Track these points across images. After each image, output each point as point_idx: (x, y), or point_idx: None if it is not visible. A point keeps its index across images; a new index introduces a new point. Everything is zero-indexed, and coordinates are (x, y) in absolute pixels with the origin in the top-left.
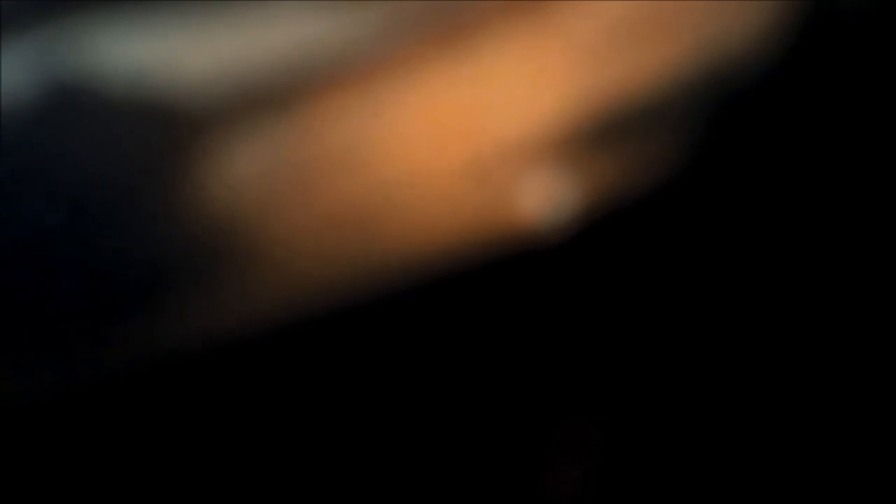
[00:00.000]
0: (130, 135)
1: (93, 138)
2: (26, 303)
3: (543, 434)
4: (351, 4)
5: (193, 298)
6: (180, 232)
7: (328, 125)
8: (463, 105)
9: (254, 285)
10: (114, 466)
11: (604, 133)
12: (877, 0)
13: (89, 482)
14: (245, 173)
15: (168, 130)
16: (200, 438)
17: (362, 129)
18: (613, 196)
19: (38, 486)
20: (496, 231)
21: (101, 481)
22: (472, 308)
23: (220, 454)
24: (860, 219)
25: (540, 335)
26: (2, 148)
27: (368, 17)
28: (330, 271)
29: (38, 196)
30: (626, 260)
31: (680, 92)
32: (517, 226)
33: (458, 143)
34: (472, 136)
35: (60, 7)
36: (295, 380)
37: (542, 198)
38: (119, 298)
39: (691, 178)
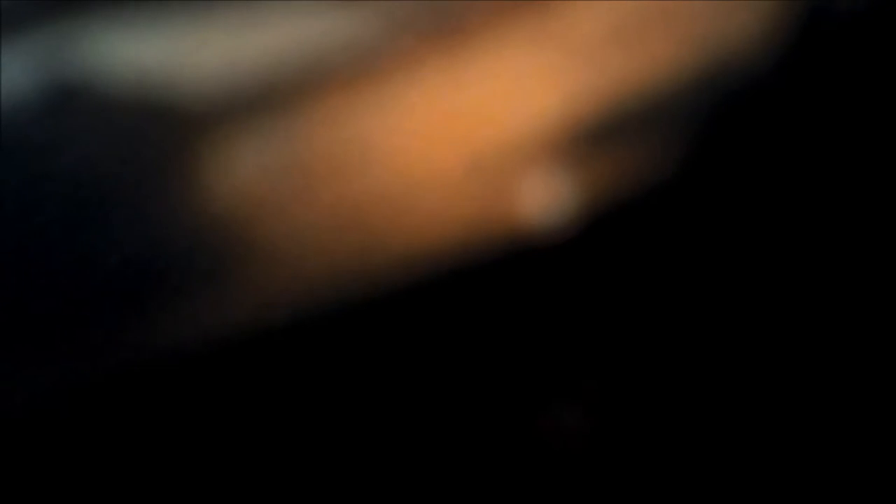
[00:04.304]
0: (132, 134)
1: (94, 138)
2: (28, 303)
3: (542, 433)
4: (351, 4)
5: (195, 297)
6: (181, 232)
7: (329, 125)
8: (463, 105)
9: (255, 284)
10: (116, 465)
11: (604, 133)
12: (875, 0)
13: (88, 483)
14: (246, 173)
15: (169, 130)
16: (202, 437)
17: (363, 128)
18: (613, 196)
19: (40, 487)
20: (496, 231)
21: (101, 481)
22: (472, 307)
23: (222, 452)
24: (860, 219)
25: (540, 335)
26: (2, 148)
27: (368, 17)
28: (330, 270)
29: (38, 196)
30: (626, 260)
31: (679, 92)
32: (517, 226)
33: (458, 143)
34: (472, 136)
35: (61, 7)
36: (296, 378)
37: (542, 197)
38: (121, 298)
39: (691, 178)
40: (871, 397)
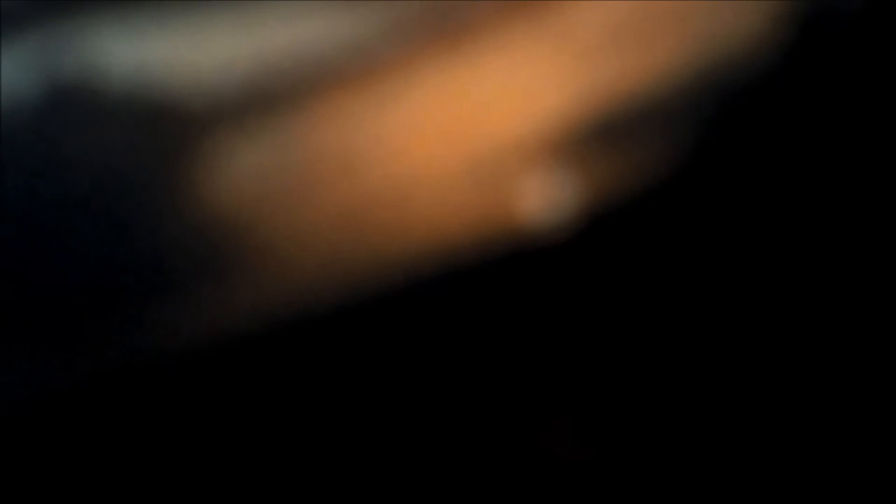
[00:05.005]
0: (132, 134)
1: (94, 138)
2: (27, 302)
3: (542, 432)
4: (351, 4)
5: (195, 296)
6: (182, 231)
7: (329, 125)
8: (463, 105)
9: (255, 283)
10: (116, 465)
11: (604, 133)
12: (875, 0)
13: (88, 483)
14: (246, 172)
15: (170, 129)
16: (202, 436)
17: (363, 128)
18: (613, 196)
19: (39, 487)
20: (496, 230)
21: (100, 481)
22: (471, 307)
23: (222, 450)
24: (860, 218)
25: (539, 334)
26: (2, 148)
27: (368, 17)
28: (330, 269)
29: (39, 195)
30: (626, 259)
31: (680, 92)
32: (517, 226)
33: (459, 143)
34: (472, 136)
35: (60, 7)
36: (295, 377)
37: (542, 198)
38: (121, 297)
39: (691, 178)
40: (871, 397)
